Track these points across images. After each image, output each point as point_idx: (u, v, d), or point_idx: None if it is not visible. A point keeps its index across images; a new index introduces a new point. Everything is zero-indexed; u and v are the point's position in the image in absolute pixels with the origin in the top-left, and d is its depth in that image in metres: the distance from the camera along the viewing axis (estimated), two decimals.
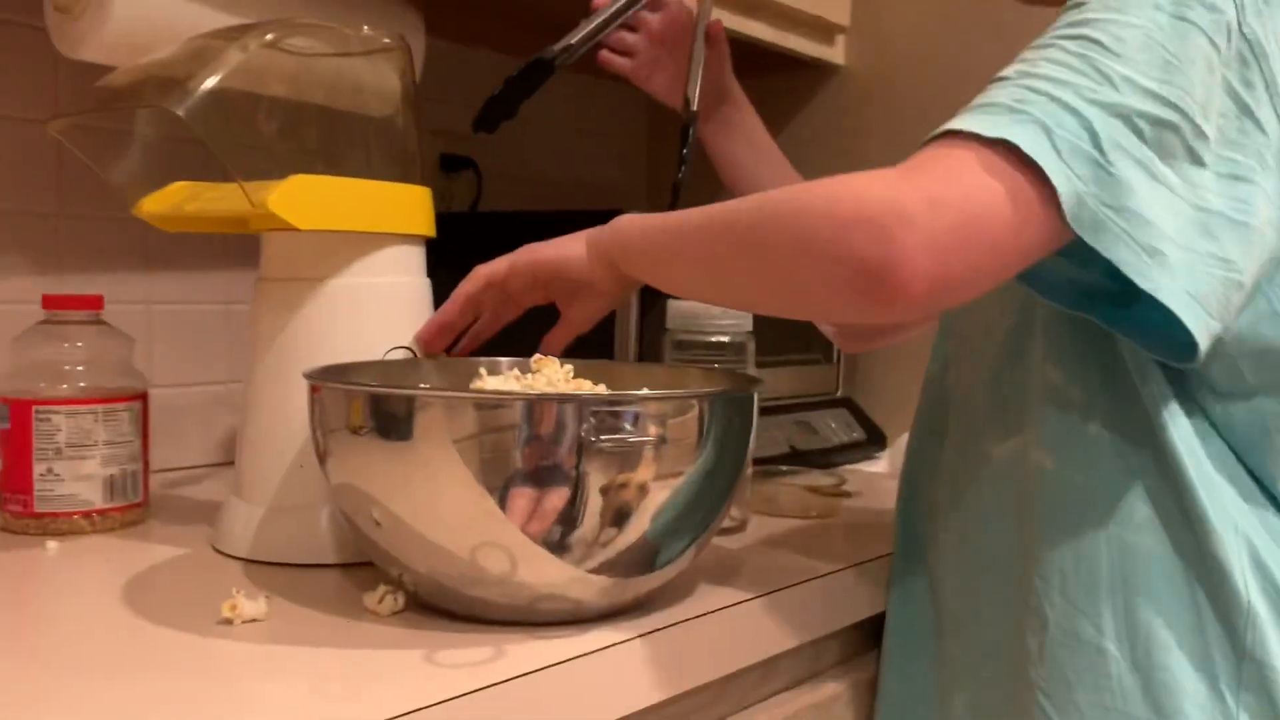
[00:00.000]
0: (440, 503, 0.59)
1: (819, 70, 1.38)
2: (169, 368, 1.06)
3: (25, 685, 0.52)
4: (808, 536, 0.87)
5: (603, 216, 0.73)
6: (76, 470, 0.80)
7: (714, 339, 0.84)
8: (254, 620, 0.61)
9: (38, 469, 0.79)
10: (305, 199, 0.71)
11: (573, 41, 0.91)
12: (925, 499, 0.76)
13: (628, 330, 1.02)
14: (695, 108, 0.93)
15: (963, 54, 1.25)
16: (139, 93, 0.78)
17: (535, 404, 0.58)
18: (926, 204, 0.51)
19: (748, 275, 0.60)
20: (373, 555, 0.65)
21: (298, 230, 0.72)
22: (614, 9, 0.94)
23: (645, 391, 0.69)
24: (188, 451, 1.08)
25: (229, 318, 1.11)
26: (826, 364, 1.31)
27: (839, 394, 1.32)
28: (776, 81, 1.38)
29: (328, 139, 0.82)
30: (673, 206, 0.86)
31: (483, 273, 0.76)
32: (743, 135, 1.01)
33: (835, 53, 1.37)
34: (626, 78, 1.03)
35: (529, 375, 0.71)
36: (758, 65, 1.26)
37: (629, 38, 1.02)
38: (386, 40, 0.83)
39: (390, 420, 0.60)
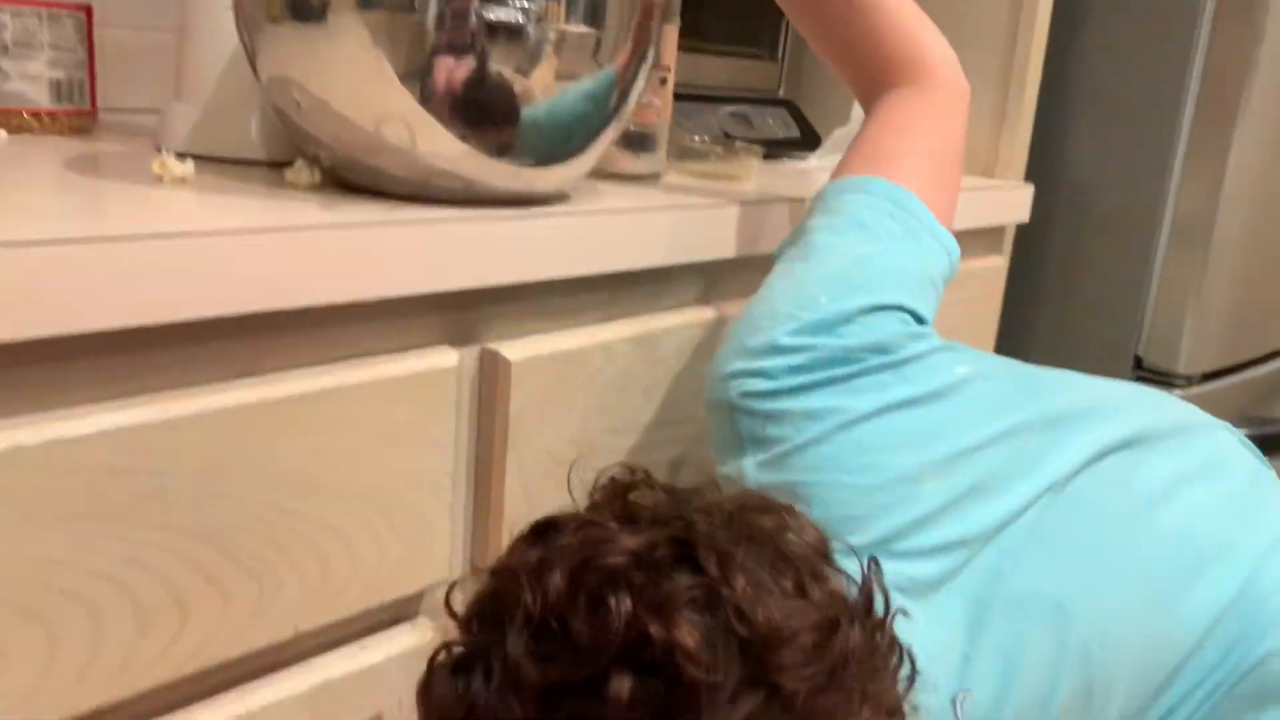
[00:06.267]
0: (348, 78, 0.64)
1: None
2: (120, 5, 1.07)
3: None
4: (725, 189, 0.92)
5: None
6: (23, 69, 0.84)
7: None
8: (182, 180, 0.67)
9: None
10: None
11: None
12: None
13: None
14: None
15: None
16: None
17: None
18: None
19: None
20: (297, 139, 0.70)
21: None
22: None
23: None
24: (141, 93, 1.10)
25: None
26: (770, 61, 1.33)
27: (781, 94, 1.35)
28: None
29: None
30: None
31: None
32: None
33: None
34: None
35: None
36: None
37: None
38: None
39: (303, 3, 0.64)
